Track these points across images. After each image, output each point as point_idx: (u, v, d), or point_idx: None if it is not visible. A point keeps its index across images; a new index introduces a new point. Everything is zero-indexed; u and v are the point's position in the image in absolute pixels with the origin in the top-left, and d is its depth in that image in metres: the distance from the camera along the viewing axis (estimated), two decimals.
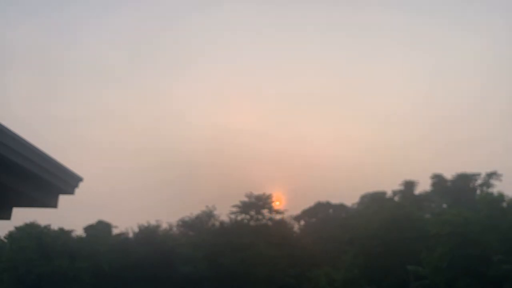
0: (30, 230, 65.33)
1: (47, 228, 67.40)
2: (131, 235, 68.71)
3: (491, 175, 61.33)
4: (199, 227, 70.08)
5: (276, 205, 67.25)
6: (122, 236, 69.44)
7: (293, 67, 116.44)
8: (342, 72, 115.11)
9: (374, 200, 59.25)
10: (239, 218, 67.04)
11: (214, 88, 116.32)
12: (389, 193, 60.89)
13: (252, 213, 66.62)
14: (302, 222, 72.19)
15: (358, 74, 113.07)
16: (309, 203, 72.10)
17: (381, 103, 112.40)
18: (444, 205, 59.88)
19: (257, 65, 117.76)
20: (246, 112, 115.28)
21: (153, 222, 68.68)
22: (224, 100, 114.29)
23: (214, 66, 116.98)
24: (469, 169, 62.67)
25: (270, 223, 66.51)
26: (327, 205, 70.58)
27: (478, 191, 61.73)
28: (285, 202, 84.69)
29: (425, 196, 62.12)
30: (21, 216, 56.32)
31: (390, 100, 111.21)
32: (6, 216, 6.39)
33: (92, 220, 70.72)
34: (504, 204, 52.01)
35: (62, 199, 6.36)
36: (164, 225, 70.33)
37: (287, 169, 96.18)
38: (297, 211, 71.41)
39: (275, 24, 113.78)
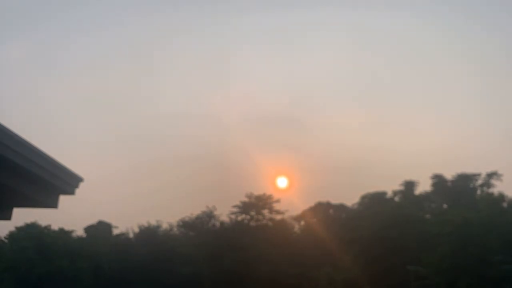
0: (30, 230, 65.45)
1: (47, 228, 67.52)
2: (131, 235, 68.81)
3: (492, 175, 61.29)
4: (200, 228, 70.11)
5: (278, 204, 67.41)
6: (123, 237, 69.53)
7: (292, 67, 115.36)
8: (347, 71, 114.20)
9: (374, 201, 59.22)
10: (239, 218, 67.08)
11: (216, 84, 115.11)
12: (389, 193, 60.88)
13: (253, 213, 66.66)
14: (302, 223, 72.18)
15: (363, 72, 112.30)
16: (309, 203, 72.18)
17: (382, 102, 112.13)
18: (445, 205, 59.86)
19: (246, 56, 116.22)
20: (248, 109, 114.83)
21: (153, 223, 68.85)
22: (226, 95, 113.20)
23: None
24: (469, 169, 62.70)
25: (270, 223, 66.55)
26: (327, 205, 70.60)
27: (478, 191, 61.67)
28: (287, 202, 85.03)
29: (425, 196, 62.06)
30: (22, 216, 56.34)
31: (389, 99, 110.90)
32: (7, 216, 6.39)
33: (92, 221, 70.95)
34: (505, 204, 52.06)
35: (62, 199, 6.37)
36: (165, 226, 70.49)
37: (287, 169, 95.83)
38: (297, 211, 71.45)
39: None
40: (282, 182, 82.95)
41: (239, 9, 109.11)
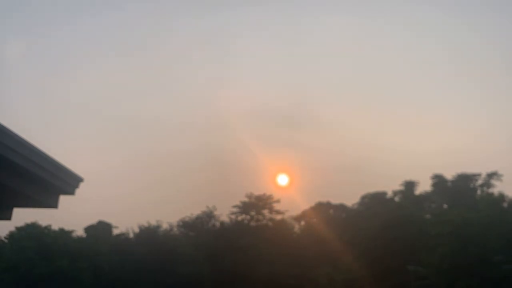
0: (30, 230, 65.44)
1: (47, 228, 67.49)
2: (131, 235, 68.77)
3: (492, 175, 61.33)
4: (200, 228, 70.14)
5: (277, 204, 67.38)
6: (123, 237, 69.50)
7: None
8: (351, 70, 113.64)
9: (374, 201, 59.28)
10: (239, 218, 67.11)
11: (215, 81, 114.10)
12: (389, 193, 60.93)
13: (253, 213, 66.69)
14: (302, 223, 72.24)
15: (367, 71, 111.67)
16: (311, 201, 72.24)
17: (384, 101, 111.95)
18: (445, 206, 59.88)
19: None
20: (245, 107, 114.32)
21: (153, 223, 68.78)
22: (228, 93, 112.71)
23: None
24: (469, 169, 62.73)
25: (270, 223, 66.57)
26: (328, 205, 70.64)
27: (478, 192, 61.72)
28: (288, 200, 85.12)
29: (425, 197, 62.09)
30: (22, 216, 56.33)
31: (391, 99, 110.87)
32: (7, 216, 6.40)
33: (92, 220, 70.87)
34: (505, 205, 52.09)
35: (63, 199, 6.37)
36: (165, 226, 70.44)
37: (289, 167, 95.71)
38: (298, 209, 71.51)
39: None
40: (283, 180, 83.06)
41: (243, 5, 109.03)
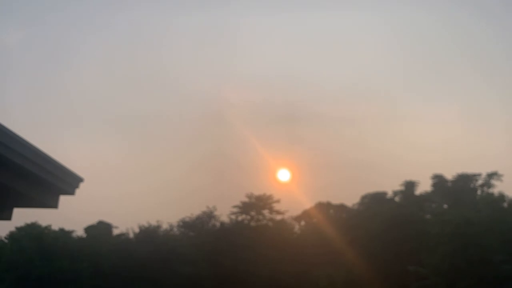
0: (30, 231, 65.44)
1: (47, 228, 67.49)
2: (131, 235, 68.75)
3: (492, 175, 61.33)
4: (200, 228, 70.10)
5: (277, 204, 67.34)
6: (123, 237, 69.50)
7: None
8: (355, 68, 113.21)
9: (374, 201, 59.31)
10: (239, 218, 67.09)
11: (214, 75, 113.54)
12: (389, 193, 60.93)
13: (253, 213, 66.66)
14: (302, 223, 72.25)
15: (370, 69, 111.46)
16: (310, 200, 72.23)
17: (382, 101, 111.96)
18: (445, 206, 59.87)
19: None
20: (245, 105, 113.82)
21: (153, 223, 68.78)
22: (229, 90, 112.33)
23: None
24: (469, 169, 62.72)
25: (270, 223, 66.54)
26: (328, 205, 70.63)
27: (479, 192, 61.73)
28: (289, 198, 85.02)
29: (425, 197, 62.08)
30: (22, 216, 56.32)
31: (390, 99, 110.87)
32: (7, 216, 6.39)
33: (92, 221, 70.89)
34: (505, 205, 52.12)
35: (62, 199, 6.37)
36: (165, 226, 70.43)
37: (290, 165, 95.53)
38: (298, 208, 71.54)
39: None
40: (284, 176, 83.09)
41: (245, 3, 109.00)
